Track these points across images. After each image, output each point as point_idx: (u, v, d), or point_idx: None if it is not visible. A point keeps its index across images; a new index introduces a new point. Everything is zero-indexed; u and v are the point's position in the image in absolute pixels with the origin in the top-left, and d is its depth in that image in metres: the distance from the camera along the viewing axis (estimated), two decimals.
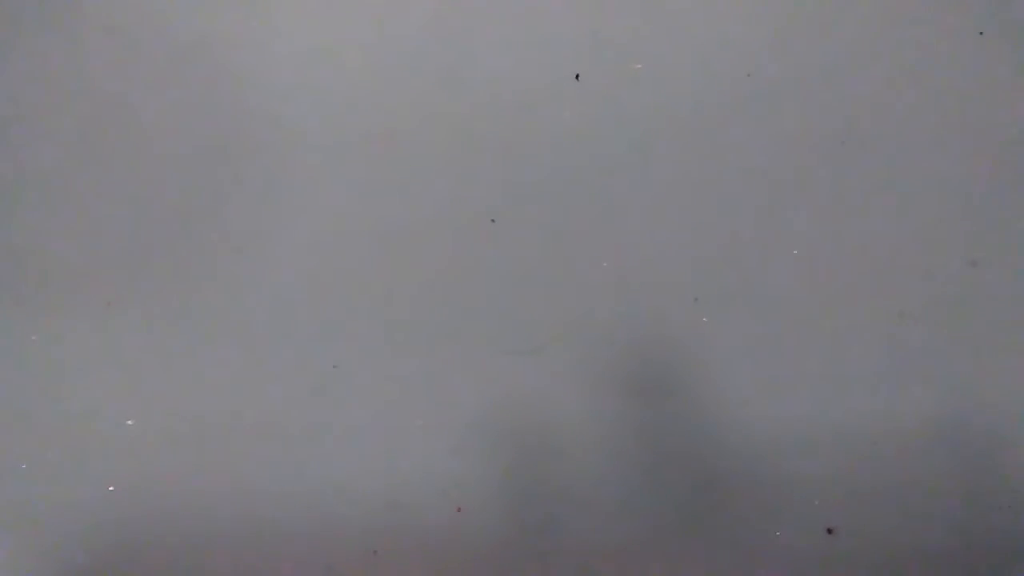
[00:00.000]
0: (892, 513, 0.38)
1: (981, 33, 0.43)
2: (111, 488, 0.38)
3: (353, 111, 0.42)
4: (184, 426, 0.39)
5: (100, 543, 0.38)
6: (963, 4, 0.43)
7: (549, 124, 0.42)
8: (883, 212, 0.41)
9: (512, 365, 0.40)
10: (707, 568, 0.38)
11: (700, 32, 0.43)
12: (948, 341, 0.40)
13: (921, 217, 0.41)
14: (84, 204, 0.41)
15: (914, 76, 0.42)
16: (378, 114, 0.42)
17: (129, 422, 0.39)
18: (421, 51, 0.43)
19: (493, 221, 0.41)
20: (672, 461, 0.39)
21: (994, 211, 0.41)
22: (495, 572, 0.38)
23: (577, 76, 0.42)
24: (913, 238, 0.41)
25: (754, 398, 0.39)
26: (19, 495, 0.39)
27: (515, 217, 0.41)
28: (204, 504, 0.38)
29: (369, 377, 0.40)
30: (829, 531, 0.38)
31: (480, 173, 0.42)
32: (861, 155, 0.42)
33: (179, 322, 0.40)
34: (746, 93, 0.42)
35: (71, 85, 0.42)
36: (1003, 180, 0.41)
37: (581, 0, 0.43)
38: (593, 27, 0.43)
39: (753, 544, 0.38)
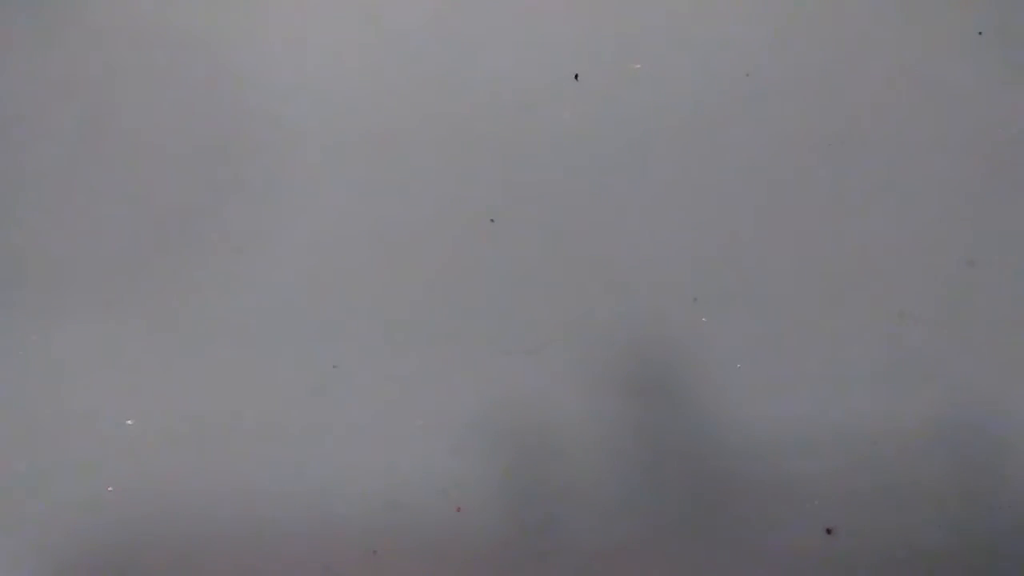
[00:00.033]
0: (891, 513, 0.38)
1: (980, 33, 0.43)
2: (110, 488, 0.38)
3: (353, 111, 0.42)
4: (184, 426, 0.39)
5: (100, 543, 0.38)
6: (962, 4, 0.43)
7: (548, 124, 0.42)
8: (883, 212, 0.41)
9: (512, 365, 0.40)
10: (707, 568, 0.38)
11: (699, 32, 0.43)
12: (947, 341, 0.40)
13: (920, 217, 0.41)
14: (84, 204, 0.41)
15: (913, 76, 0.42)
16: (378, 114, 0.42)
17: (129, 422, 0.39)
18: (421, 51, 0.43)
19: (492, 221, 0.41)
20: (672, 461, 0.39)
21: (992, 211, 0.41)
22: (495, 572, 0.38)
23: (576, 76, 0.42)
24: (912, 238, 0.41)
25: (754, 398, 0.39)
26: (19, 495, 0.39)
27: (515, 217, 0.41)
28: (203, 504, 0.38)
29: (369, 377, 0.40)
30: (828, 531, 0.38)
31: (479, 173, 0.42)
32: (861, 155, 0.42)
33: (179, 322, 0.40)
34: (745, 93, 0.42)
35: (71, 85, 0.43)
36: (1002, 180, 0.41)
37: (580, 0, 0.43)
38: (592, 27, 0.43)
39: (752, 544, 0.38)
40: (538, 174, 0.42)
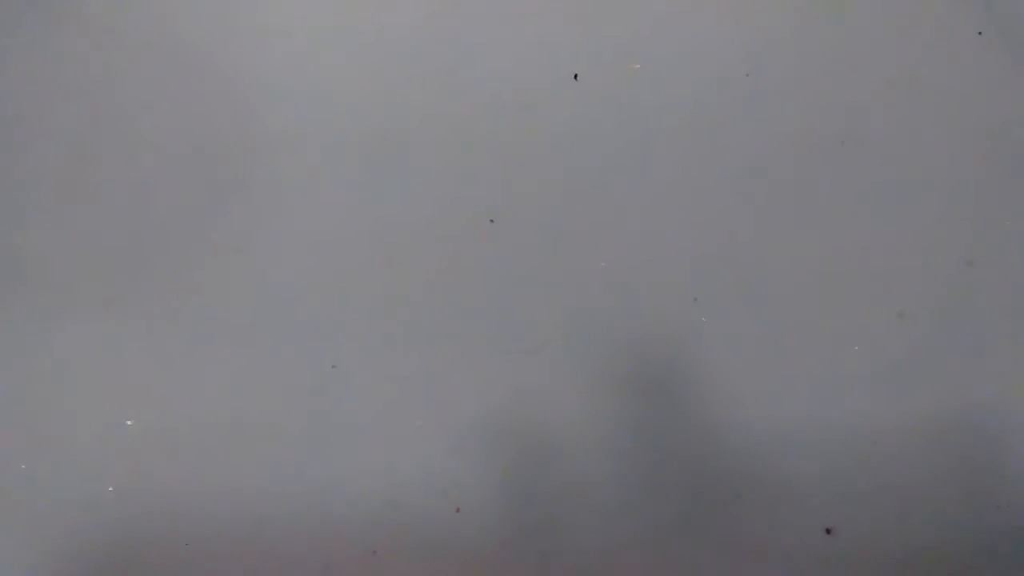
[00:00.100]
0: (891, 513, 0.38)
1: (980, 33, 0.43)
2: (110, 488, 0.38)
3: (353, 111, 0.42)
4: (183, 426, 0.39)
5: (99, 543, 0.38)
6: (962, 4, 0.43)
7: (548, 124, 0.42)
8: (883, 212, 0.41)
9: (512, 365, 0.40)
10: (707, 568, 0.38)
11: (699, 32, 0.43)
12: (947, 341, 0.40)
13: (920, 217, 0.41)
14: (84, 204, 0.41)
15: (913, 76, 0.42)
16: (378, 114, 0.42)
17: (128, 422, 0.39)
18: (421, 51, 0.43)
19: (492, 221, 0.41)
20: (672, 461, 0.39)
21: (992, 211, 0.41)
22: (495, 572, 0.38)
23: (576, 76, 0.42)
24: (912, 238, 0.41)
25: (754, 398, 0.39)
26: (19, 495, 0.39)
27: (514, 217, 0.41)
28: (203, 504, 0.38)
29: (369, 377, 0.40)
30: (828, 531, 0.38)
31: (479, 173, 0.42)
32: (861, 155, 0.42)
33: (179, 322, 0.40)
34: (745, 93, 0.42)
35: (71, 85, 0.43)
36: (1002, 180, 0.41)
37: (580, 0, 0.43)
38: (592, 27, 0.43)
39: (752, 544, 0.38)
40: (537, 174, 0.42)
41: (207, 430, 0.39)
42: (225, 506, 0.38)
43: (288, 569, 0.38)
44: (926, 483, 0.39)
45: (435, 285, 0.41)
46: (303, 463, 0.39)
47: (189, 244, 0.41)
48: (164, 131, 0.42)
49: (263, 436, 0.39)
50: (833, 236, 0.41)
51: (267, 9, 0.44)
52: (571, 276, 0.41)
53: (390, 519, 0.38)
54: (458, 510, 0.38)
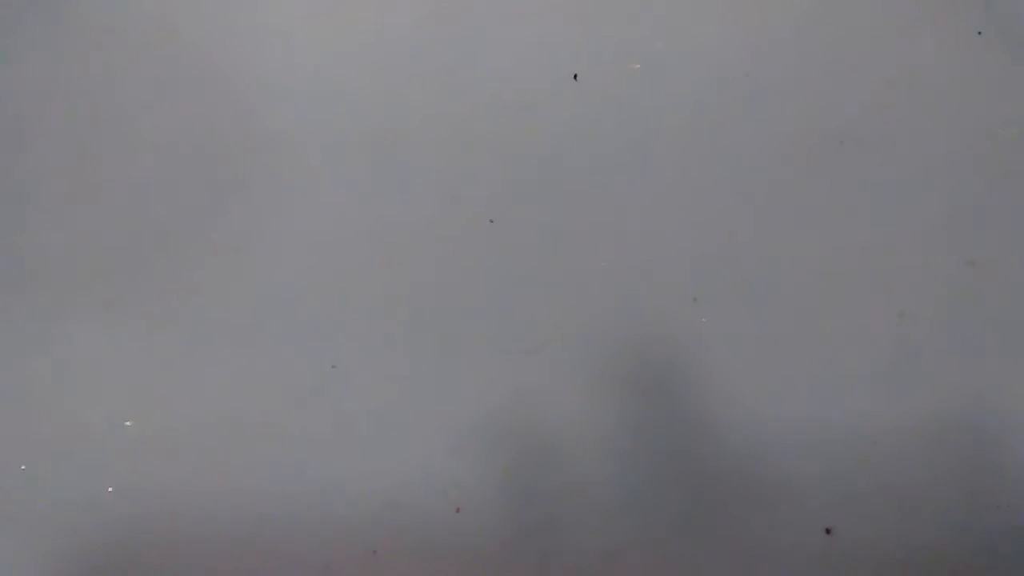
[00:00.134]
0: (891, 513, 0.38)
1: (979, 33, 0.43)
2: (110, 488, 0.38)
3: (353, 111, 0.42)
4: (183, 426, 0.39)
5: (99, 544, 0.38)
6: (961, 4, 0.43)
7: (547, 124, 0.42)
8: (883, 212, 0.41)
9: (512, 365, 0.40)
10: (707, 568, 0.38)
11: (698, 32, 0.43)
12: (947, 341, 0.40)
13: (920, 217, 0.41)
14: (84, 204, 0.41)
15: (912, 76, 0.42)
16: (377, 114, 0.42)
17: (128, 422, 0.39)
18: (420, 51, 0.43)
19: (492, 221, 0.41)
20: (672, 461, 0.39)
21: (992, 211, 0.41)
22: (495, 572, 0.38)
23: (575, 76, 0.42)
24: (912, 238, 0.41)
25: (753, 398, 0.39)
26: (18, 496, 0.39)
27: (514, 217, 0.41)
28: (202, 504, 0.38)
29: (369, 377, 0.40)
30: (828, 531, 0.38)
31: (479, 173, 0.42)
32: (861, 155, 0.42)
33: (178, 322, 0.40)
34: (745, 93, 0.42)
35: (71, 85, 0.43)
36: (1002, 180, 0.41)
37: (580, 0, 0.43)
38: (591, 27, 0.43)
39: (752, 544, 0.38)
40: (537, 174, 0.42)
41: (207, 430, 0.39)
42: (225, 506, 0.38)
43: (288, 569, 0.38)
44: (926, 483, 0.39)
45: (435, 285, 0.41)
46: (303, 463, 0.39)
47: (189, 244, 0.41)
48: (164, 131, 0.42)
49: (263, 436, 0.39)
50: (833, 236, 0.41)
51: (267, 9, 0.44)
52: (571, 276, 0.41)
53: (390, 519, 0.38)
54: (458, 510, 0.38)
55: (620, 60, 0.43)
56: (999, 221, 0.41)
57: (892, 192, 0.41)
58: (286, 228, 0.41)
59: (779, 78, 0.42)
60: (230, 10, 0.43)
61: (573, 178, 0.42)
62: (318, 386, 0.39)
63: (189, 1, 0.43)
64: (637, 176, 0.41)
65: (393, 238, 0.41)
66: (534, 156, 0.42)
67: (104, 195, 0.41)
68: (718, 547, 0.38)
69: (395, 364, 0.40)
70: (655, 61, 0.43)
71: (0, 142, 0.42)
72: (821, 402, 0.39)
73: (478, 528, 0.38)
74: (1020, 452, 0.39)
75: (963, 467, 0.39)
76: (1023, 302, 0.40)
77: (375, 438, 0.39)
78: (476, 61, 0.43)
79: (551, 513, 0.38)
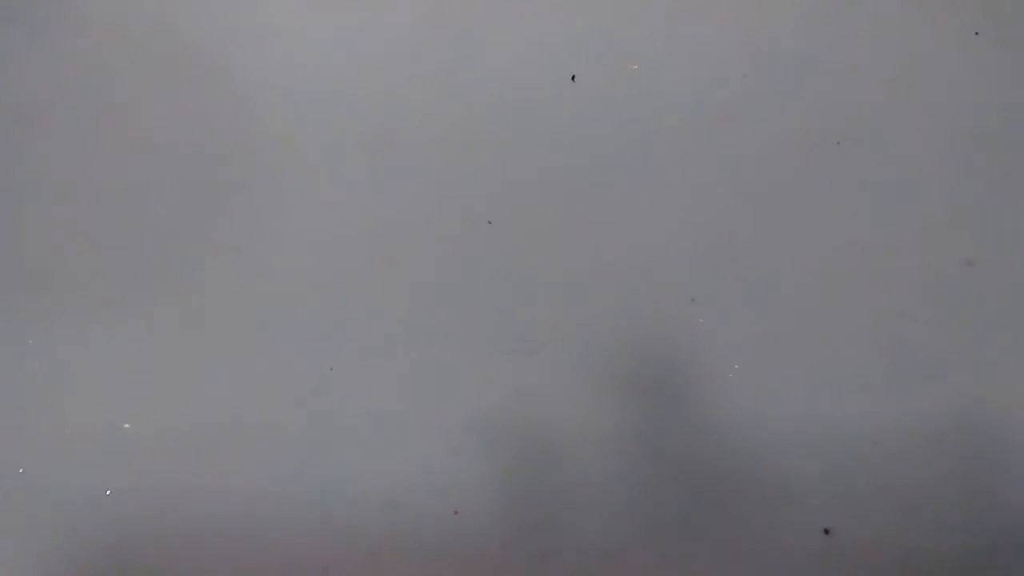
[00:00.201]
0: (890, 513, 0.38)
1: (976, 33, 0.43)
2: (110, 489, 0.38)
3: (352, 111, 0.42)
4: (183, 427, 0.39)
5: (97, 545, 0.38)
6: (959, 5, 0.43)
7: (546, 125, 0.42)
8: (883, 212, 0.41)
9: (512, 365, 0.40)
10: (707, 568, 0.38)
11: (697, 32, 0.43)
12: (947, 341, 0.40)
13: (920, 217, 0.41)
14: (84, 204, 0.41)
15: (911, 76, 0.43)
16: (376, 114, 0.42)
17: (126, 425, 0.39)
18: (420, 51, 0.43)
19: (490, 222, 0.41)
20: (672, 461, 0.39)
21: (992, 211, 0.41)
22: (495, 572, 0.38)
23: (573, 77, 0.43)
24: (912, 238, 0.41)
25: (753, 398, 0.39)
26: (17, 497, 0.39)
27: (512, 218, 0.41)
28: (201, 506, 0.38)
29: (368, 377, 0.40)
30: (827, 531, 0.38)
31: (478, 173, 0.42)
32: (861, 155, 0.42)
33: (177, 323, 0.40)
34: (743, 93, 0.42)
35: (71, 85, 0.43)
36: (1002, 180, 0.41)
37: (577, 1, 0.43)
38: (589, 28, 0.43)
39: (752, 544, 0.38)
40: (535, 175, 0.42)
41: (206, 431, 0.39)
42: (224, 507, 0.38)
43: (288, 569, 0.38)
44: (926, 483, 0.38)
45: (435, 285, 0.41)
46: (303, 463, 0.39)
47: (189, 244, 0.41)
48: (164, 131, 0.42)
49: (263, 436, 0.39)
50: (833, 236, 0.41)
51: (267, 9, 0.44)
52: (571, 276, 0.41)
53: (390, 520, 0.38)
54: (456, 512, 0.38)
55: (618, 61, 0.43)
56: (999, 221, 0.41)
57: (891, 192, 0.41)
58: (286, 228, 0.41)
59: (778, 78, 0.42)
60: (230, 10, 0.43)
61: (572, 178, 0.42)
62: (318, 386, 0.39)
63: (189, 1, 0.43)
64: (636, 176, 0.42)
65: (393, 238, 0.41)
66: (533, 156, 0.42)
67: (104, 195, 0.41)
68: (718, 547, 0.38)
69: (395, 364, 0.40)
70: (653, 62, 0.43)
71: (0, 142, 0.42)
72: (821, 402, 0.39)
73: (478, 528, 0.38)
74: (1020, 452, 0.39)
75: (963, 467, 0.39)
76: (1023, 302, 0.40)
77: (375, 439, 0.39)
78: (475, 61, 0.43)
79: (551, 513, 0.38)
